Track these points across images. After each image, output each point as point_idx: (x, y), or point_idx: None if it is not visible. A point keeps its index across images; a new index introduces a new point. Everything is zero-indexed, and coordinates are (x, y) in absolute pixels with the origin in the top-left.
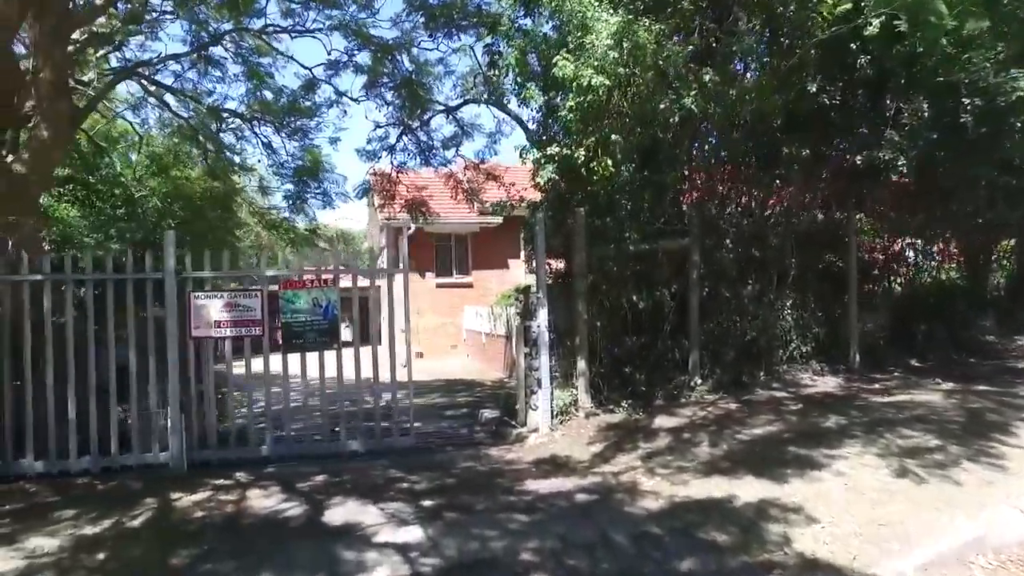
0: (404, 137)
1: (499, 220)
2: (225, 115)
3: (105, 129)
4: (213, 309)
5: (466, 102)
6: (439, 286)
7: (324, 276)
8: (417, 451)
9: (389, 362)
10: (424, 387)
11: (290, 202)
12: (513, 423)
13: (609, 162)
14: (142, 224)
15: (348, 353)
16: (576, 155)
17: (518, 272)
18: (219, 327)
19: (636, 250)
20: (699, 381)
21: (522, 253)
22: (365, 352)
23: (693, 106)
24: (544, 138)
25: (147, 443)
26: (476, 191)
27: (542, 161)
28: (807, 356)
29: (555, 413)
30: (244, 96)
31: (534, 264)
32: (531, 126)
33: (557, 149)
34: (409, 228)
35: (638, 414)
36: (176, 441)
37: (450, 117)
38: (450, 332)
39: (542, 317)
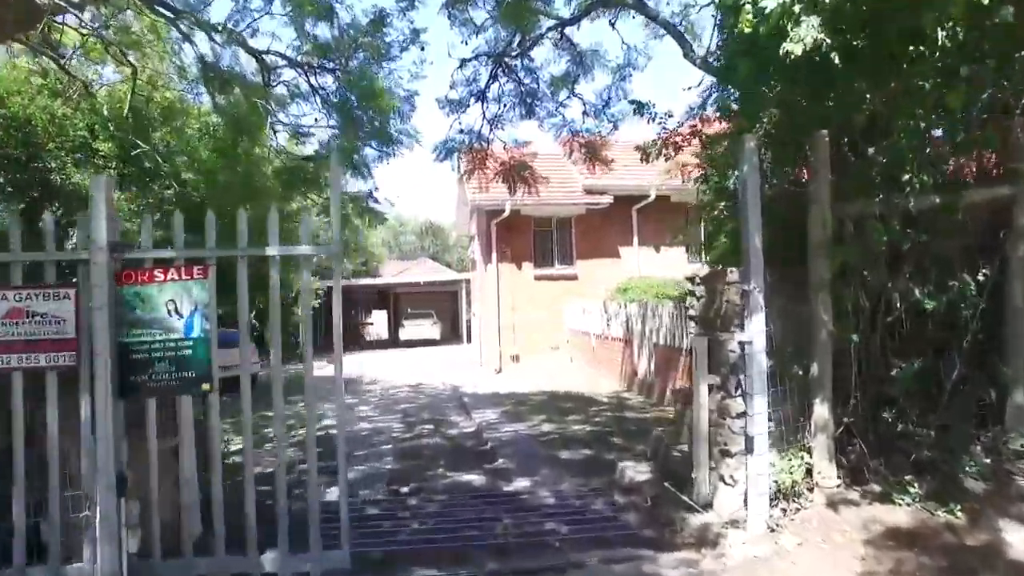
0: (499, 77)
1: (608, 200)
2: (273, 59)
3: (156, 101)
4: None
5: (591, 9)
6: (538, 278)
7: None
8: (528, 553)
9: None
10: (523, 402)
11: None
12: (688, 500)
13: None
14: (189, 205)
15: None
16: None
17: (630, 262)
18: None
19: (918, 206)
20: None
21: (635, 239)
22: (447, 352)
23: None
24: None
25: (76, 544)
26: (596, 147)
27: (796, 12)
28: None
29: (774, 494)
30: (296, 38)
31: (743, 236)
32: None
33: None
34: (503, 210)
35: (951, 513)
36: (110, 550)
37: (562, 41)
38: (550, 331)
39: (755, 328)
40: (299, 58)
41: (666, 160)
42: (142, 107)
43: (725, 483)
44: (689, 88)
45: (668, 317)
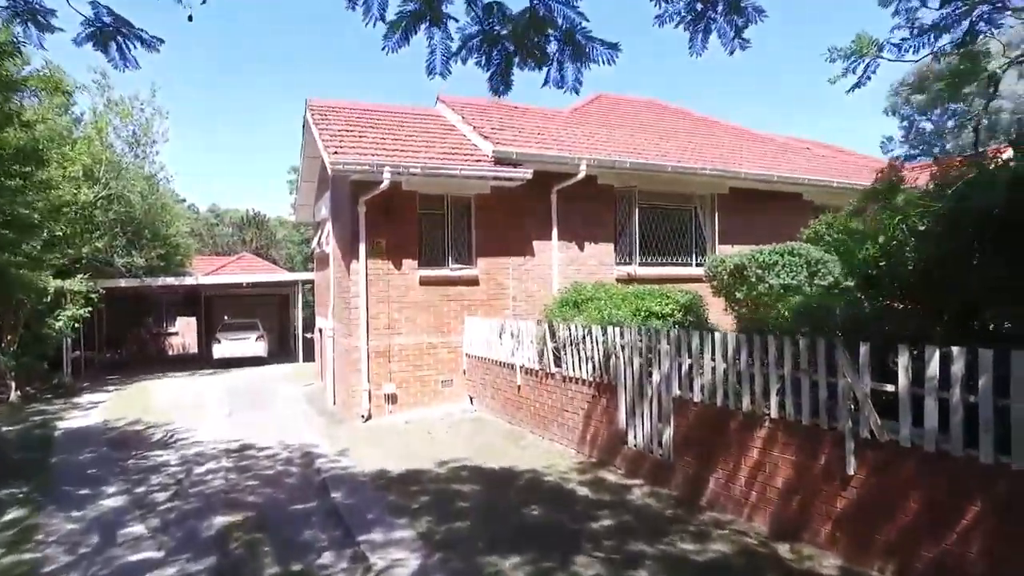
0: None
1: (526, 175)
2: None
3: None
4: None
5: None
6: (425, 281)
7: None
8: None
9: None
10: (444, 499)
11: None
12: None
13: None
14: None
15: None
16: None
17: (546, 259)
18: None
19: None
20: None
21: (555, 230)
22: (278, 376)
23: None
24: None
25: None
26: None
27: None
28: None
29: None
30: None
31: None
32: None
33: None
34: (379, 182)
35: None
36: None
37: None
38: (442, 359)
39: None
40: None
41: None
42: None
43: None
44: None
45: (729, 352)
